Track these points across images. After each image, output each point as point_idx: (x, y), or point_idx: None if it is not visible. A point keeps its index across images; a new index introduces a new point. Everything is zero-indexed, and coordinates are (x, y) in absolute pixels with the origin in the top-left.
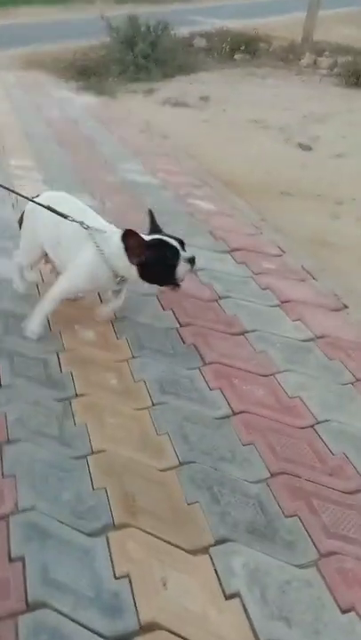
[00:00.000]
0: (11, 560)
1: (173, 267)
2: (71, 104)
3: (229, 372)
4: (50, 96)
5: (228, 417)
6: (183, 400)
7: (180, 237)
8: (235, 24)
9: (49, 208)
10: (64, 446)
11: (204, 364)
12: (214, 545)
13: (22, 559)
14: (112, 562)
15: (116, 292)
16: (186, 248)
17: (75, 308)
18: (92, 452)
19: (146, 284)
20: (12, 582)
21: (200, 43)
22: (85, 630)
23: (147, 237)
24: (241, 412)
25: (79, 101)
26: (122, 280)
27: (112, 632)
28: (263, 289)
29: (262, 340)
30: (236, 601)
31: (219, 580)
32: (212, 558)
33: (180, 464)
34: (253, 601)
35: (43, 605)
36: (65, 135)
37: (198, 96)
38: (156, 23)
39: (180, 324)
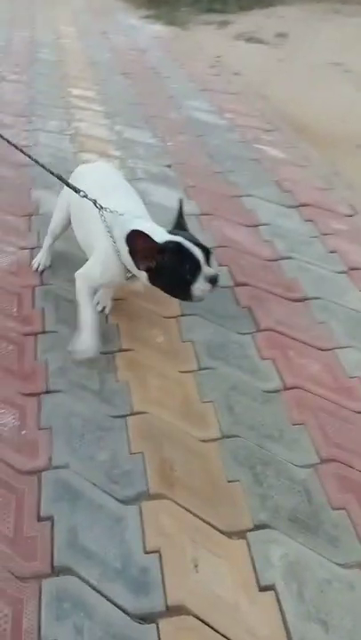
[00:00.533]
0: (40, 519)
1: (189, 282)
2: (140, 33)
3: (285, 341)
4: (118, 23)
5: (278, 391)
6: (232, 367)
7: (207, 245)
8: None
9: (59, 177)
10: (104, 403)
11: (258, 330)
12: (252, 530)
13: (51, 519)
14: (143, 534)
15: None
16: (211, 261)
17: None
18: (133, 413)
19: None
20: (40, 543)
21: None
22: (109, 604)
23: (163, 237)
24: (293, 388)
25: (148, 30)
26: (133, 277)
27: (137, 610)
28: (330, 252)
29: (324, 309)
30: (270, 594)
31: (254, 568)
32: (248, 544)
33: (223, 437)
34: (289, 597)
35: (68, 571)
36: (131, 66)
37: (275, 32)
38: None
39: (235, 282)
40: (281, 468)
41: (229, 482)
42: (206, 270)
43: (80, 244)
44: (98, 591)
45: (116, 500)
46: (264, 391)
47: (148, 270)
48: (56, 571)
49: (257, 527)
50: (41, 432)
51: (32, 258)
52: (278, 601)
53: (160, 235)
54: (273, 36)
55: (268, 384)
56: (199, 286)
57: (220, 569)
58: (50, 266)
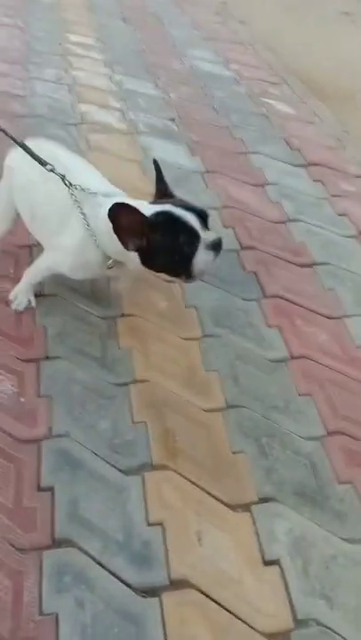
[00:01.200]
0: (40, 489)
1: (189, 256)
2: None
3: (291, 308)
4: None
5: (284, 361)
6: (236, 335)
7: (201, 207)
8: None
9: (22, 146)
10: (105, 370)
11: (264, 296)
12: (257, 503)
13: (52, 489)
14: (146, 506)
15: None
16: (210, 224)
17: None
18: (135, 381)
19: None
20: (40, 514)
21: None
22: (112, 577)
23: (149, 208)
24: (300, 357)
25: None
26: (115, 264)
27: (139, 583)
28: (340, 215)
29: (332, 275)
30: (275, 569)
31: (259, 542)
32: (253, 517)
33: (228, 407)
34: (294, 572)
35: (69, 543)
36: (131, 11)
37: None
38: None
39: (241, 246)
40: (287, 440)
41: (234, 453)
42: (206, 236)
43: (37, 237)
44: (100, 564)
45: (118, 470)
46: (270, 360)
47: (138, 251)
48: (57, 543)
49: (262, 500)
50: (40, 400)
51: None
52: (283, 576)
53: (146, 208)
54: None
55: (274, 353)
56: (201, 257)
57: (224, 543)
58: None
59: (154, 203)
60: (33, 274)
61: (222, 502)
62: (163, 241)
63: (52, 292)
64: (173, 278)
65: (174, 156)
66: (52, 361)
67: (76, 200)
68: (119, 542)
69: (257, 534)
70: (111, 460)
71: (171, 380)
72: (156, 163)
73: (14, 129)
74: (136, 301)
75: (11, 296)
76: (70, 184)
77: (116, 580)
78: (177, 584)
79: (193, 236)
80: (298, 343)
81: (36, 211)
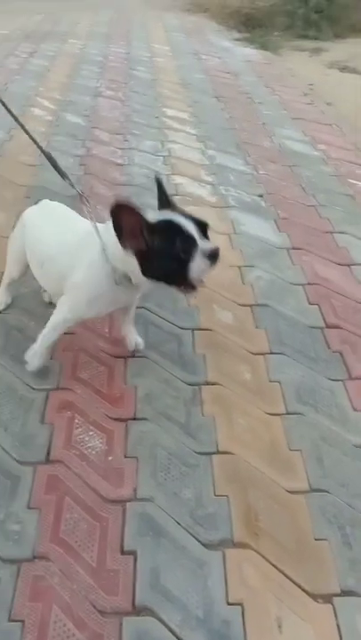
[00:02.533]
0: (123, 552)
1: (185, 262)
2: (232, 55)
3: None
4: (211, 44)
5: None
6: (321, 415)
7: (202, 219)
8: None
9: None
10: (189, 437)
11: (350, 377)
12: (340, 595)
13: (134, 554)
14: (226, 584)
15: (125, 315)
16: (209, 234)
17: (214, 287)
18: (218, 452)
19: (151, 284)
20: (122, 577)
21: None
22: None
23: (152, 215)
24: None
25: (240, 53)
26: (122, 281)
27: None
28: None
29: None
30: None
31: (340, 637)
32: (335, 610)
33: (311, 490)
34: None
35: (149, 612)
36: (223, 89)
37: None
38: None
39: (326, 324)
40: None
41: (317, 540)
42: (203, 245)
43: (45, 287)
44: (178, 638)
45: (200, 543)
46: (355, 446)
47: (138, 256)
48: (137, 609)
49: (344, 593)
50: (127, 460)
51: None
52: None
53: (147, 214)
54: None
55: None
56: (198, 264)
57: (304, 633)
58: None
59: (159, 210)
60: (48, 335)
61: (304, 590)
62: (161, 245)
63: (142, 353)
64: (173, 288)
65: (262, 231)
66: (139, 422)
67: (92, 217)
68: (199, 618)
69: (338, 629)
70: (193, 531)
71: (253, 455)
72: (157, 179)
73: (115, 197)
74: (221, 370)
75: (26, 357)
76: (87, 201)
77: None
78: None
79: (190, 243)
80: None
81: (45, 260)
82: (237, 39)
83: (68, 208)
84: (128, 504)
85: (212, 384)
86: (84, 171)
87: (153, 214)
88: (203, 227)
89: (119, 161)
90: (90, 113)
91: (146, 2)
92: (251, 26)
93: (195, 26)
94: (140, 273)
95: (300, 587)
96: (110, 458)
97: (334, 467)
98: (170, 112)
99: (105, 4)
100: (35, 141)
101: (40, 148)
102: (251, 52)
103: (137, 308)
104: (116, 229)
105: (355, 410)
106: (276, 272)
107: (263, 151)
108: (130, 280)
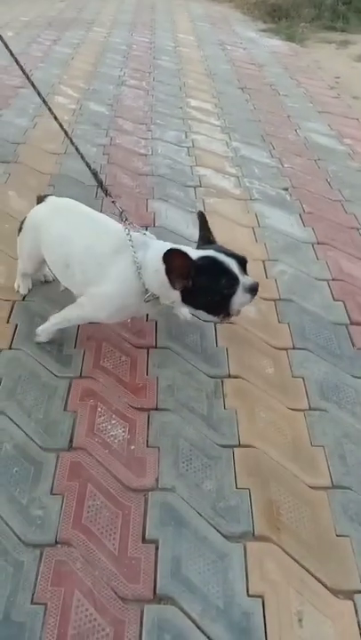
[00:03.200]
0: (144, 540)
1: (228, 297)
2: (257, 46)
3: None
4: (236, 34)
5: None
6: (345, 412)
7: (242, 254)
8: None
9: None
10: (210, 429)
11: None
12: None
13: (156, 543)
14: (247, 576)
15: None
16: (248, 270)
17: None
18: (240, 445)
19: (189, 308)
20: (143, 565)
21: None
22: None
23: (195, 253)
24: None
25: (266, 44)
26: (150, 298)
27: None
28: None
29: None
30: None
31: None
32: (356, 607)
33: (334, 487)
34: None
35: (170, 601)
36: (248, 80)
37: None
38: None
39: (351, 320)
40: None
41: (338, 536)
42: (244, 280)
43: (67, 285)
44: (199, 627)
45: (221, 534)
46: None
47: (182, 291)
48: (158, 598)
49: None
50: (149, 450)
51: None
52: None
53: (192, 252)
54: None
55: None
56: (239, 299)
57: (324, 628)
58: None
59: (199, 248)
60: (60, 324)
61: (325, 585)
62: (207, 282)
63: (164, 344)
64: (210, 316)
65: (286, 225)
66: (161, 412)
67: (128, 234)
68: (219, 609)
69: (359, 625)
70: (214, 523)
71: (276, 450)
72: (200, 214)
73: (139, 186)
74: (243, 364)
75: (37, 330)
76: (126, 218)
77: None
78: None
79: (233, 280)
80: None
81: (71, 262)
82: (263, 30)
83: (80, 204)
84: (150, 493)
85: (235, 377)
86: (108, 160)
87: (195, 252)
88: (242, 262)
89: (142, 151)
90: (113, 102)
91: None
92: (277, 16)
93: (220, 15)
94: (181, 301)
95: (321, 582)
96: (132, 447)
97: (357, 464)
98: (194, 102)
99: None
100: (70, 140)
101: (77, 150)
102: (276, 44)
103: None
104: (168, 273)
105: None
106: (301, 267)
107: (288, 144)
108: (158, 298)
